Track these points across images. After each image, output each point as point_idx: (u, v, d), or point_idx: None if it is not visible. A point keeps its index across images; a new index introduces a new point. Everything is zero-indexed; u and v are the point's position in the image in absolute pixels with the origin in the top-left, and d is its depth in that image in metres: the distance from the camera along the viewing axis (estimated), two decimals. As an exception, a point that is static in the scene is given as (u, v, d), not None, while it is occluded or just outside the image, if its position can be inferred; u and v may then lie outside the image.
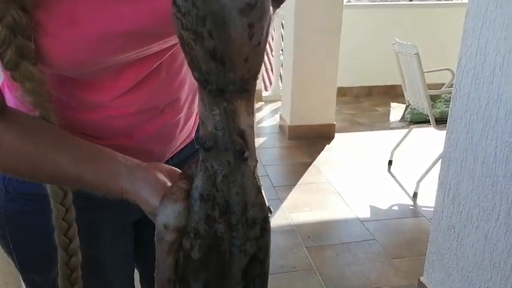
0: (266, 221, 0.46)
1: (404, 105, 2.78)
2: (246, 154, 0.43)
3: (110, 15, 0.50)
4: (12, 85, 0.56)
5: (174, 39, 0.56)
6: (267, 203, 0.47)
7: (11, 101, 0.60)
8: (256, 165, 0.45)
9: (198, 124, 0.51)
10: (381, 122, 3.82)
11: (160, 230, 0.46)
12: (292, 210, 2.41)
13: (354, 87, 4.83)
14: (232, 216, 0.44)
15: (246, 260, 0.46)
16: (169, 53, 0.60)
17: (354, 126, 3.85)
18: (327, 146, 3.34)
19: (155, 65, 0.60)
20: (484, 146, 1.29)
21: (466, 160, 1.38)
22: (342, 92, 4.75)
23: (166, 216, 0.45)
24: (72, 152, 0.54)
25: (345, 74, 4.65)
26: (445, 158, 1.49)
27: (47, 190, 0.59)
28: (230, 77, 0.38)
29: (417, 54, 2.32)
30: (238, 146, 0.42)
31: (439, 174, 1.53)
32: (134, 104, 0.62)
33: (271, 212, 0.48)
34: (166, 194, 0.46)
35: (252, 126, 0.43)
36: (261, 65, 0.40)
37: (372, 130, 3.69)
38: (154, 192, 0.50)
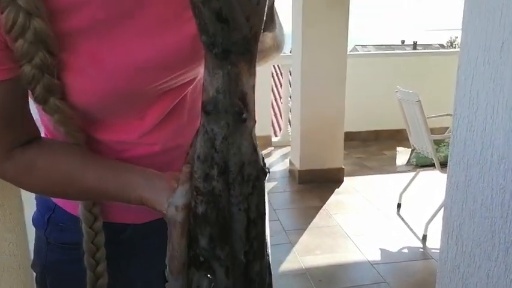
0: (258, 178, 0.48)
1: (410, 149, 2.87)
2: (244, 115, 0.45)
3: (127, 51, 0.57)
4: (47, 117, 0.63)
5: (187, 74, 0.63)
6: (262, 162, 0.48)
7: (49, 130, 0.68)
8: (254, 125, 0.47)
9: None
10: (389, 166, 3.90)
11: (173, 214, 0.50)
12: (304, 253, 2.45)
13: (361, 131, 4.94)
14: (230, 175, 0.47)
15: (246, 218, 0.48)
16: (187, 90, 0.67)
17: (362, 170, 3.93)
18: (337, 189, 3.41)
19: (176, 101, 0.66)
20: (481, 189, 1.37)
21: (467, 202, 1.45)
22: (350, 136, 4.87)
23: (176, 198, 0.50)
24: (96, 170, 0.61)
25: (353, 119, 4.79)
26: (447, 200, 1.57)
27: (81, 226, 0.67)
28: (234, 37, 0.41)
29: (419, 101, 2.44)
30: (237, 108, 0.45)
31: (443, 216, 1.60)
32: (159, 141, 0.67)
33: (269, 172, 0.50)
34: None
35: (253, 87, 0.46)
36: (262, 25, 0.44)
37: (380, 174, 3.76)
38: (164, 194, 0.55)
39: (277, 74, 6.07)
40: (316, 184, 3.47)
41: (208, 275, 0.49)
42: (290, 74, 4.42)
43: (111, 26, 0.57)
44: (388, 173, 3.73)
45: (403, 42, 37.11)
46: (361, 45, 37.31)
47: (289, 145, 4.12)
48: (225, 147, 0.46)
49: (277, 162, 4.15)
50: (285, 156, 4.24)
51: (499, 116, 1.30)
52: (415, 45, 30.72)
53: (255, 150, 0.47)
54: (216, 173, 0.46)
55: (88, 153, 0.63)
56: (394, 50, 24.59)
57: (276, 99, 5.79)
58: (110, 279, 0.70)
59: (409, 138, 2.85)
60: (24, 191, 1.24)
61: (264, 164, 0.49)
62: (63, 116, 0.58)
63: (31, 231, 1.20)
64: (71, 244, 0.71)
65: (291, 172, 3.78)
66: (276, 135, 5.27)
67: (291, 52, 4.06)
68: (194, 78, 0.67)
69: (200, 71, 0.64)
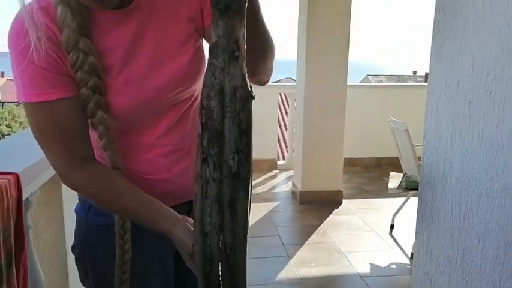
0: (247, 99, 0.65)
1: (402, 174, 3.11)
2: (236, 54, 0.63)
3: (149, 75, 0.84)
4: (95, 146, 0.89)
5: (189, 89, 0.88)
6: (250, 88, 0.64)
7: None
8: (244, 61, 0.64)
9: None
10: (386, 190, 4.11)
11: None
12: (299, 265, 2.68)
13: (363, 158, 5.19)
14: (226, 96, 0.64)
15: (237, 130, 0.65)
16: (188, 104, 0.92)
17: (361, 193, 4.16)
18: (335, 210, 3.65)
19: (181, 112, 0.91)
20: (444, 205, 1.63)
21: (433, 216, 1.71)
22: (352, 162, 5.12)
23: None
24: (139, 197, 0.87)
25: (355, 146, 5.06)
26: (419, 216, 1.82)
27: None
28: None
29: (407, 130, 2.71)
30: (231, 48, 0.62)
31: (415, 229, 1.84)
32: (171, 143, 0.92)
33: (254, 97, 0.65)
34: None
35: (243, 35, 0.63)
36: None
37: (378, 197, 3.99)
38: (189, 236, 0.81)
39: (283, 102, 6.38)
40: (316, 205, 3.71)
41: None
42: (295, 103, 4.72)
43: (136, 60, 0.85)
44: (385, 197, 3.95)
45: (415, 73, 37.45)
46: (373, 75, 37.72)
47: (293, 168, 4.38)
48: (222, 76, 0.63)
49: (282, 184, 4.41)
50: (289, 178, 4.49)
51: (456, 142, 1.57)
52: (426, 77, 31.02)
53: (244, 79, 0.64)
54: (213, 94, 0.64)
55: (128, 183, 0.87)
56: (406, 81, 25.05)
57: (280, 126, 6.09)
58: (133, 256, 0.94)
59: (401, 164, 3.09)
60: (65, 192, 1.53)
61: (251, 89, 0.65)
62: (104, 127, 0.83)
63: (67, 225, 1.49)
64: (106, 226, 0.94)
65: (293, 193, 4.02)
66: (280, 159, 5.54)
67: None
68: (193, 95, 0.93)
69: (197, 88, 0.91)
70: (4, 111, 19.73)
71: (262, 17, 0.81)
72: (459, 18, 1.46)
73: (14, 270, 1.03)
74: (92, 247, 1.00)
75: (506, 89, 1.26)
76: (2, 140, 1.55)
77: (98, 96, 0.81)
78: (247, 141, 0.67)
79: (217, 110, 0.65)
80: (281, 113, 6.12)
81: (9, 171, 1.05)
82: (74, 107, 0.81)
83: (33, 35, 0.74)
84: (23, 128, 18.83)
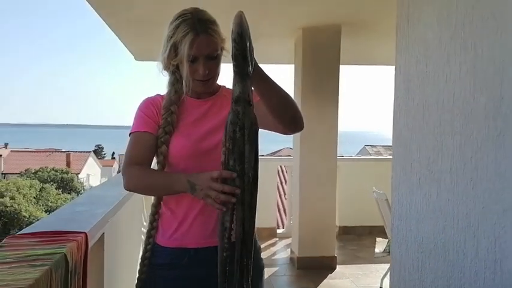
0: (257, 131, 1.10)
1: (387, 240, 3.48)
2: (250, 102, 1.08)
3: (199, 127, 1.37)
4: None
5: (219, 136, 1.24)
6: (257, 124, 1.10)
7: None
8: (253, 107, 1.10)
9: None
10: (377, 257, 4.43)
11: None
12: (296, 323, 2.97)
13: (356, 226, 5.53)
14: (245, 129, 1.07)
15: (253, 152, 1.09)
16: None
17: (354, 259, 4.48)
18: (330, 275, 3.96)
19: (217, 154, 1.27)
20: (407, 260, 2.02)
21: (401, 271, 2.09)
22: (346, 230, 5.47)
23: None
24: (162, 174, 1.36)
25: (349, 216, 5.44)
26: (391, 270, 2.20)
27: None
28: (246, 68, 1.09)
29: (387, 200, 3.13)
30: (247, 99, 1.07)
31: (389, 282, 2.21)
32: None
33: (256, 125, 1.11)
34: None
35: (251, 89, 1.08)
36: (253, 59, 1.15)
37: (369, 263, 4.30)
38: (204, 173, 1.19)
39: (282, 172, 6.84)
40: (312, 270, 4.02)
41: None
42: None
43: (199, 126, 1.40)
44: (376, 263, 4.27)
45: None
46: (371, 146, 38.68)
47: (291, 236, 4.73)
48: (242, 116, 1.09)
49: (281, 251, 4.73)
50: (288, 246, 4.82)
51: (412, 209, 2.00)
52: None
53: (255, 118, 1.11)
54: (238, 128, 1.09)
55: (156, 171, 1.38)
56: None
57: (280, 195, 6.50)
58: None
59: (386, 230, 3.47)
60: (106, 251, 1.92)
61: (257, 125, 1.11)
62: (163, 157, 1.36)
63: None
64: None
65: (291, 259, 4.34)
66: (279, 227, 5.88)
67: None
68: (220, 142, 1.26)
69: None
70: (9, 183, 20.03)
71: (276, 85, 1.31)
72: (409, 116, 1.96)
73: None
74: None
75: (441, 170, 1.72)
76: (64, 207, 1.99)
77: (167, 136, 1.37)
78: (257, 159, 1.14)
79: (240, 139, 1.10)
80: (280, 182, 6.55)
81: (80, 230, 1.47)
82: (151, 140, 1.38)
83: (151, 105, 1.43)
84: (26, 201, 19.11)
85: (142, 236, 3.59)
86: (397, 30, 2.00)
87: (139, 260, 1.47)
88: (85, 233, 1.47)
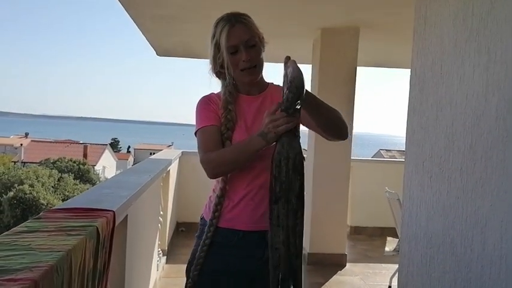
0: (302, 162, 1.21)
1: (397, 239, 3.53)
2: (296, 133, 1.23)
3: (260, 116, 1.38)
4: None
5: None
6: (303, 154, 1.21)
7: None
8: (299, 138, 1.22)
9: None
10: (386, 257, 4.48)
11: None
12: (305, 315, 3.04)
13: (368, 227, 5.58)
14: (290, 160, 1.19)
15: (298, 181, 1.20)
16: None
17: (364, 258, 4.53)
18: (339, 271, 4.02)
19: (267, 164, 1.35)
20: (416, 256, 2.09)
21: (409, 265, 2.15)
22: (358, 231, 5.52)
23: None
24: (237, 147, 1.43)
25: (361, 216, 5.49)
26: (400, 265, 2.26)
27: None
28: (294, 105, 1.21)
29: (398, 199, 3.18)
30: (294, 131, 1.22)
31: (397, 277, 2.27)
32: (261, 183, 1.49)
33: (304, 159, 1.22)
34: None
35: (298, 126, 1.24)
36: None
37: (379, 263, 4.35)
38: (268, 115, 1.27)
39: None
40: (322, 265, 4.09)
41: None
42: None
43: (256, 122, 1.48)
44: (386, 262, 4.32)
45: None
46: (386, 150, 38.42)
47: (303, 233, 4.79)
48: (287, 146, 1.21)
49: (292, 247, 4.80)
50: (298, 242, 4.90)
51: (423, 207, 2.06)
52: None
53: (301, 149, 1.22)
54: (283, 158, 1.21)
55: (228, 147, 1.48)
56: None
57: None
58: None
59: (396, 230, 3.52)
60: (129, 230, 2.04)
61: (303, 156, 1.22)
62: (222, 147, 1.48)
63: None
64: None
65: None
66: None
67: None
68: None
69: None
70: (29, 171, 20.50)
71: (325, 107, 1.45)
72: (422, 116, 2.03)
73: (105, 277, 1.52)
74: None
75: (452, 168, 1.78)
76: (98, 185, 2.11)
77: (229, 132, 1.48)
78: (302, 188, 1.25)
79: (286, 169, 1.22)
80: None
81: (109, 209, 1.58)
82: (218, 131, 1.49)
83: (208, 101, 1.55)
84: (45, 189, 19.52)
85: (160, 218, 3.71)
86: (414, 33, 2.06)
87: (197, 239, 1.58)
88: (113, 211, 1.58)
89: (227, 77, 1.51)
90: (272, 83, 1.60)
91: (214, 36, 1.48)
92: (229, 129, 1.48)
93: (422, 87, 2.01)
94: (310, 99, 1.36)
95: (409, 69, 2.12)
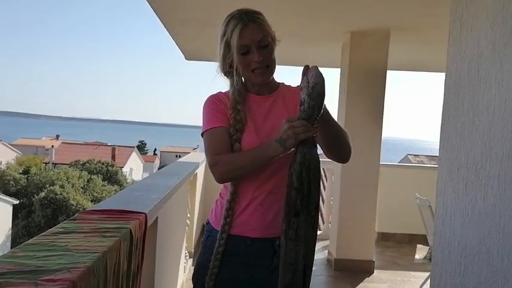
0: (320, 171, 1.23)
1: (428, 247, 3.45)
2: (315, 143, 1.23)
3: (265, 124, 1.43)
4: None
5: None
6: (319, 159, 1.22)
7: None
8: (317, 146, 1.23)
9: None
10: (416, 265, 4.38)
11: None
12: (332, 322, 3.01)
13: (396, 233, 5.46)
14: (311, 169, 1.19)
15: (317, 191, 1.21)
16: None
17: (392, 265, 4.44)
18: (367, 278, 3.95)
19: (280, 167, 1.40)
20: (449, 264, 2.03)
21: (442, 274, 2.09)
22: (385, 237, 5.42)
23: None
24: (251, 153, 1.37)
25: (389, 222, 5.39)
26: (432, 273, 2.21)
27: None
28: (313, 118, 1.20)
29: (430, 206, 3.11)
30: (312, 142, 1.21)
31: (429, 285, 2.21)
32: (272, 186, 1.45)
33: (319, 165, 1.23)
34: None
35: (314, 137, 1.21)
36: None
37: (408, 270, 4.26)
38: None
39: (325, 176, 6.84)
40: (349, 272, 4.04)
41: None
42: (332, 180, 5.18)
43: (265, 125, 1.45)
44: (415, 270, 4.22)
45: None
46: (414, 155, 37.65)
47: (329, 238, 4.75)
48: (308, 157, 1.20)
49: (319, 252, 4.76)
50: (325, 247, 4.84)
51: (457, 214, 2.01)
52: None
53: (318, 158, 1.22)
54: (305, 168, 1.19)
55: (239, 152, 1.43)
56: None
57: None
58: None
59: (427, 237, 3.44)
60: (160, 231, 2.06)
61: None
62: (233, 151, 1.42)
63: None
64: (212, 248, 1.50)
65: (328, 260, 4.37)
66: (319, 229, 5.90)
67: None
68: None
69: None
70: (59, 172, 21.07)
71: (335, 123, 1.42)
72: (458, 121, 1.97)
73: (138, 278, 1.54)
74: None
75: (489, 176, 1.72)
76: (128, 188, 2.15)
77: (238, 134, 1.42)
78: (319, 197, 1.25)
79: (307, 179, 1.21)
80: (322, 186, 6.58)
81: (141, 211, 1.61)
82: (226, 133, 1.43)
83: (217, 101, 1.48)
84: (75, 190, 20.05)
85: (187, 221, 3.74)
86: (450, 36, 2.01)
87: (203, 247, 1.55)
88: (145, 214, 1.60)
89: (235, 77, 1.46)
90: (283, 83, 1.55)
91: (224, 34, 1.41)
92: (238, 130, 1.42)
93: (457, 91, 1.96)
94: (325, 110, 1.32)
95: (436, 73, 2.07)
